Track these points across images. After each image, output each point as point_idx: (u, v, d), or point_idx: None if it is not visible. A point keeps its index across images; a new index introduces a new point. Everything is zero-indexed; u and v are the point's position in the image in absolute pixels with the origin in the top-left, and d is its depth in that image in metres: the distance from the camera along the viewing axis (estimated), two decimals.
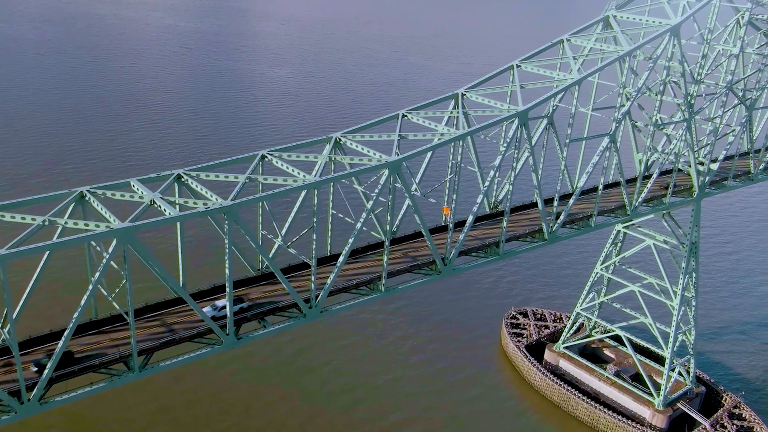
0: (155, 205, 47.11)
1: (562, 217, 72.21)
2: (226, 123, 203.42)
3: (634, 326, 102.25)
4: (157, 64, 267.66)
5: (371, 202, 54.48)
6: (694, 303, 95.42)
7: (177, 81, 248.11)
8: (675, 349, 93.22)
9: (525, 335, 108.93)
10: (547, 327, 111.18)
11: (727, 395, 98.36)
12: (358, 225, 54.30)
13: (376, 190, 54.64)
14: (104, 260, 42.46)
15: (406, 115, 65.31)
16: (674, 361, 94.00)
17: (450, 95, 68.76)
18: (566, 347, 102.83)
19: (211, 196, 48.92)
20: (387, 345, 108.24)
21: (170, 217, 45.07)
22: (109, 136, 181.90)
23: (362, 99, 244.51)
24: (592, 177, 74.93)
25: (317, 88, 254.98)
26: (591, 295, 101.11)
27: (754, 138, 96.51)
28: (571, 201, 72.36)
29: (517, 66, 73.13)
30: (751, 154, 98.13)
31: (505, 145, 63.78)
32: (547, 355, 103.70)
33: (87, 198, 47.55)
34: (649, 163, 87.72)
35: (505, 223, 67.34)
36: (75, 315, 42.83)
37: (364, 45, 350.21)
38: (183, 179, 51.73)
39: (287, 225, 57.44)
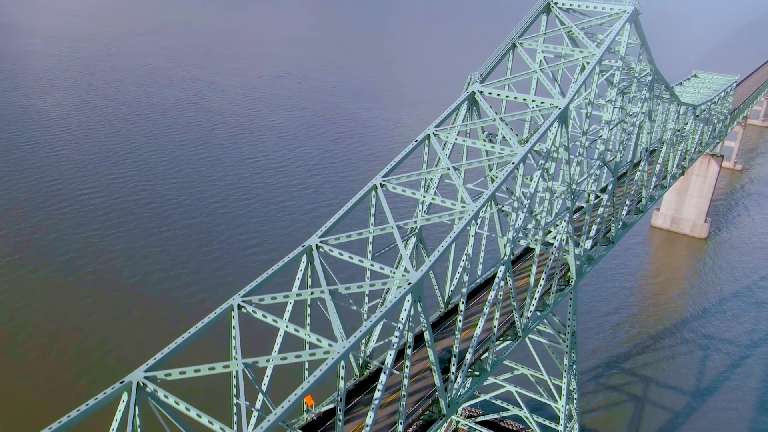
0: None
1: (459, 381, 51.45)
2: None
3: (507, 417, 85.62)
4: None
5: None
6: (575, 396, 79.87)
7: None
8: None
9: None
10: None
11: None
12: None
13: None
14: None
15: (243, 307, 40.34)
16: None
17: (300, 251, 44.61)
18: None
19: None
20: None
21: None
22: None
23: (152, 130, 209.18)
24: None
25: (94, 119, 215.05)
26: None
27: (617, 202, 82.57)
28: (468, 357, 51.68)
29: (381, 185, 50.91)
30: (612, 217, 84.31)
31: (397, 334, 40.87)
32: None
33: None
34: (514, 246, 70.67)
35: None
36: None
37: (143, 61, 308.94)
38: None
39: None
